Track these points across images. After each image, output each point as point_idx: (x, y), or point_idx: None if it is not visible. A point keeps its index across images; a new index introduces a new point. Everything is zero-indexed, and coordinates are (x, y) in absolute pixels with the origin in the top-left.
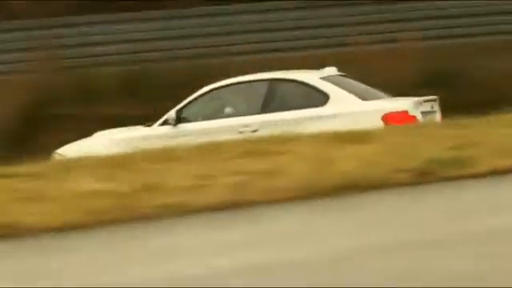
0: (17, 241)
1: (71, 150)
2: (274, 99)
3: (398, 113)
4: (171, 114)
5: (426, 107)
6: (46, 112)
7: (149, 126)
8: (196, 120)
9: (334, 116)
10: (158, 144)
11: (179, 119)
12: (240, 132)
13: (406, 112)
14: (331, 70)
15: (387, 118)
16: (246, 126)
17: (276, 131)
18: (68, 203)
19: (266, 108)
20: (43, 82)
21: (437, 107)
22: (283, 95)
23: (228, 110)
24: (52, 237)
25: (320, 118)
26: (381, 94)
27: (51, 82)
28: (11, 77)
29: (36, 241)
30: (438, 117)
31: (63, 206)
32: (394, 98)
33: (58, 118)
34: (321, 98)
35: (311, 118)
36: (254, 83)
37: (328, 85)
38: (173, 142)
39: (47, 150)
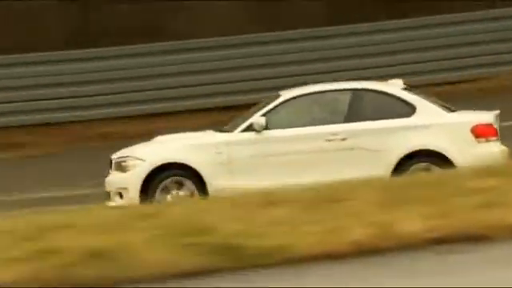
0: None
1: (144, 154)
2: (358, 108)
3: (485, 125)
4: (259, 119)
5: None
6: None
7: (221, 131)
8: (277, 127)
9: (424, 127)
10: (243, 151)
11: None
12: (328, 140)
13: (491, 124)
14: (398, 82)
15: (476, 130)
16: (334, 134)
17: (366, 140)
18: None
19: (350, 117)
20: None
21: None
22: (368, 105)
23: (311, 117)
24: None
25: (409, 128)
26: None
27: None
28: None
29: None
30: None
31: None
32: (473, 111)
33: None
34: (407, 109)
35: (401, 129)
36: (336, 92)
37: (413, 96)
38: (258, 149)
39: None
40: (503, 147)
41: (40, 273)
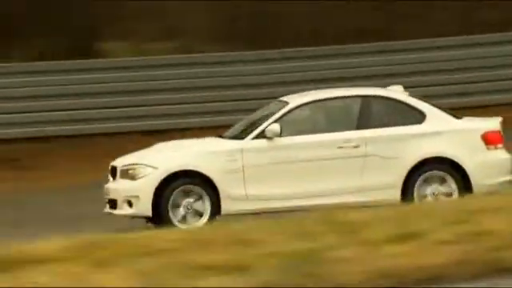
0: None
1: (156, 161)
2: (369, 115)
3: (495, 132)
4: (273, 126)
5: None
6: None
7: (222, 137)
8: (289, 134)
9: (435, 134)
10: (257, 158)
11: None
12: (340, 147)
13: (499, 131)
14: (398, 89)
15: (487, 137)
16: (346, 141)
17: (379, 147)
18: None
19: (362, 124)
20: None
21: None
22: (379, 112)
23: (322, 124)
24: None
25: (421, 135)
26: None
27: None
28: None
29: None
30: None
31: None
32: (478, 118)
33: None
34: (417, 116)
35: (413, 136)
36: (346, 99)
37: (422, 103)
38: (272, 157)
39: None
40: (508, 155)
41: (469, 255)
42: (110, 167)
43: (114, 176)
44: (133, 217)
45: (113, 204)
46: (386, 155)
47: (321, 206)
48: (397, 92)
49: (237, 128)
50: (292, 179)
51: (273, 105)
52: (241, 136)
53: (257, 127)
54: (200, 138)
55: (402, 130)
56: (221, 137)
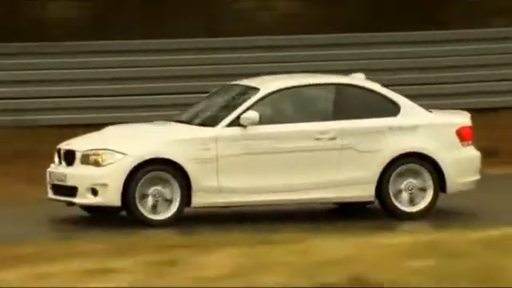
0: None
1: (125, 147)
2: (345, 105)
3: (468, 127)
4: (249, 114)
5: None
6: None
7: (180, 122)
8: (262, 123)
9: (412, 128)
10: (231, 147)
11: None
12: (317, 139)
13: (471, 127)
14: (361, 76)
15: (461, 133)
16: (322, 132)
17: (356, 140)
18: None
19: (337, 114)
20: None
21: None
22: (354, 102)
23: (297, 113)
24: None
25: (397, 129)
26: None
27: None
28: None
29: None
30: None
31: None
32: (447, 112)
33: None
34: (392, 108)
35: (389, 129)
36: (320, 87)
37: (395, 94)
38: (246, 146)
39: None
40: (478, 152)
41: None
42: (62, 151)
43: (69, 161)
44: (69, 204)
45: (66, 191)
46: (362, 149)
47: (297, 201)
48: (370, 82)
49: (193, 114)
50: (268, 171)
51: (237, 90)
52: (207, 123)
53: (227, 114)
54: (154, 122)
55: (379, 122)
56: (179, 121)
